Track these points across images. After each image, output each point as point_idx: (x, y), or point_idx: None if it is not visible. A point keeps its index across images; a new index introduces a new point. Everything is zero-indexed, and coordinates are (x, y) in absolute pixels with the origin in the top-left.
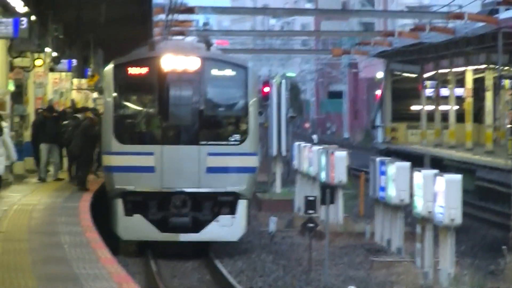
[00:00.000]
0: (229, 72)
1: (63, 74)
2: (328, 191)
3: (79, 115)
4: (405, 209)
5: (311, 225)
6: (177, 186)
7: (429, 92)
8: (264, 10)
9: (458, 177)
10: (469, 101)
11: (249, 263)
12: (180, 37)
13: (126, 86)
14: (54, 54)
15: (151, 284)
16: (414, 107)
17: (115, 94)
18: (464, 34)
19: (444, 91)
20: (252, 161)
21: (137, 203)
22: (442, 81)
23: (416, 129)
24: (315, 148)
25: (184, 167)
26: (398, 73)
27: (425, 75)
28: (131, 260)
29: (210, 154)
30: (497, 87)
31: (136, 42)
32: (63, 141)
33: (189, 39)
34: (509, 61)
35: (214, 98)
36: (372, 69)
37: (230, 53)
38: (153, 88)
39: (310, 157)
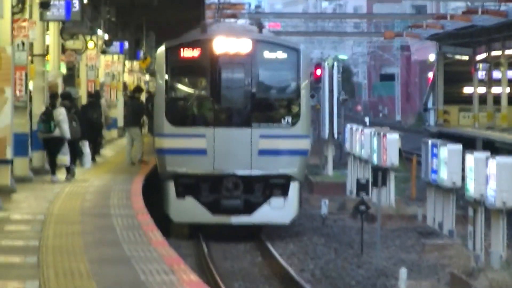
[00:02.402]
0: (281, 54)
1: (115, 56)
2: (380, 173)
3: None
4: (457, 192)
5: (363, 207)
6: (229, 168)
7: (481, 75)
8: None
9: (510, 160)
10: None
11: (300, 246)
12: (232, 20)
13: (178, 69)
14: (106, 36)
15: (202, 266)
16: (466, 90)
17: (167, 77)
18: None
19: (496, 74)
20: (304, 144)
21: (189, 185)
22: (494, 64)
23: (468, 112)
24: (367, 130)
25: (236, 150)
26: (450, 56)
27: (477, 58)
28: (182, 243)
29: (262, 136)
30: None
31: (188, 25)
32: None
33: (241, 21)
34: None
35: (266, 81)
36: (424, 52)
37: (282, 36)
38: (205, 70)
39: (362, 139)
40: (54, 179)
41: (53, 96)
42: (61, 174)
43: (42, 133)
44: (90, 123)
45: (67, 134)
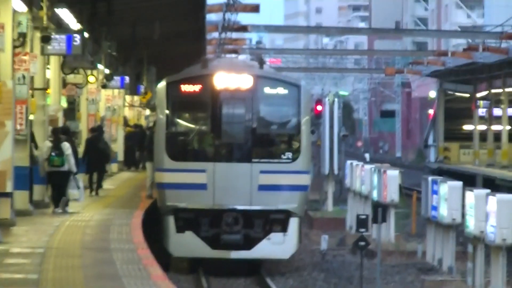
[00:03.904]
0: (282, 90)
1: (116, 90)
2: (380, 209)
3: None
4: (457, 228)
5: (362, 243)
6: (229, 203)
7: (482, 112)
8: (318, 29)
9: (510, 197)
10: None
11: (300, 281)
12: (233, 55)
13: (179, 104)
14: (107, 71)
15: None
16: (466, 127)
17: (167, 111)
18: None
19: (497, 111)
20: (304, 179)
21: (189, 220)
22: (495, 101)
23: (468, 148)
24: (368, 166)
25: (236, 185)
26: (451, 92)
27: (478, 95)
28: (182, 277)
29: (262, 171)
30: None
31: (189, 60)
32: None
33: (242, 57)
34: None
35: (266, 116)
36: (425, 88)
37: (283, 72)
38: (206, 105)
39: (362, 175)
40: (58, 211)
41: (56, 130)
42: (70, 208)
43: (51, 167)
44: (98, 156)
45: (75, 168)
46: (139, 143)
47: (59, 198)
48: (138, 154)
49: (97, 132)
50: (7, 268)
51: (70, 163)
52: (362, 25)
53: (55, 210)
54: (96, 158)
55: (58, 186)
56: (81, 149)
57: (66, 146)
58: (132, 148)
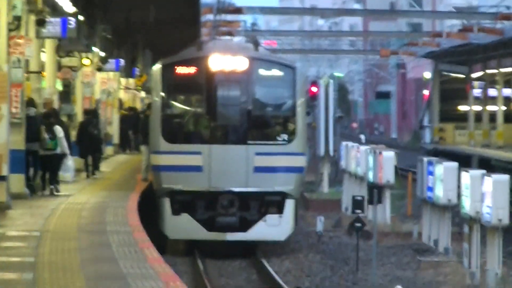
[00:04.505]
0: (277, 72)
1: (111, 74)
2: (375, 191)
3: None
4: (453, 209)
5: (358, 225)
6: (224, 185)
7: (477, 92)
8: (312, 11)
9: (505, 177)
10: None
11: (296, 263)
12: (228, 37)
13: (174, 86)
14: (102, 54)
15: (198, 283)
16: (462, 108)
17: (162, 94)
18: None
19: (492, 92)
20: (300, 161)
21: (185, 202)
22: (490, 81)
23: (464, 129)
24: (363, 148)
25: (231, 167)
26: (446, 73)
27: (473, 76)
28: (178, 260)
29: (258, 153)
30: None
31: (184, 43)
32: None
33: (237, 39)
34: None
35: (262, 98)
36: (420, 69)
37: (278, 54)
38: (201, 88)
39: (357, 157)
40: (46, 193)
41: (48, 114)
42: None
43: (45, 151)
44: (90, 139)
45: (67, 150)
46: (134, 126)
47: (50, 181)
48: (133, 137)
49: (91, 115)
50: (4, 251)
51: (63, 146)
52: (357, 6)
53: (43, 193)
54: (89, 142)
55: (51, 168)
56: (75, 132)
57: (58, 129)
58: (127, 131)
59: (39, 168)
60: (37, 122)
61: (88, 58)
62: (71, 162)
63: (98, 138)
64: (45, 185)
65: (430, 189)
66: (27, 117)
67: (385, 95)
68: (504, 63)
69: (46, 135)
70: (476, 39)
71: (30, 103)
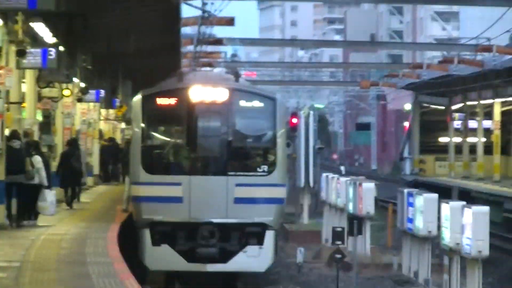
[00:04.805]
0: (257, 103)
1: (91, 104)
2: (355, 222)
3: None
4: (433, 240)
5: (338, 256)
6: (205, 216)
7: (457, 124)
8: (293, 42)
9: (485, 209)
10: (497, 133)
11: None
12: (208, 68)
13: (154, 117)
14: (82, 84)
15: None
16: (442, 139)
17: (143, 125)
18: (493, 66)
19: (472, 123)
20: (280, 192)
21: (165, 233)
22: (470, 113)
23: (444, 161)
24: (343, 179)
25: (212, 198)
26: (426, 105)
27: (454, 107)
28: None
29: (238, 184)
30: None
31: (165, 73)
32: None
33: (218, 70)
34: None
35: (242, 129)
36: (400, 101)
37: (258, 85)
38: (182, 119)
39: (338, 188)
40: (27, 223)
41: (29, 144)
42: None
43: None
44: (71, 171)
45: (45, 182)
46: (113, 156)
47: (26, 211)
48: (112, 167)
49: (72, 145)
50: None
51: (41, 177)
52: (337, 37)
53: (24, 223)
54: (70, 173)
55: (29, 199)
56: (55, 163)
57: (37, 159)
58: (107, 162)
59: (23, 199)
60: (22, 154)
61: (68, 88)
62: (52, 196)
63: (79, 170)
64: (23, 215)
65: (410, 220)
66: (12, 149)
67: (365, 127)
68: (484, 95)
69: (30, 167)
70: (457, 70)
71: (15, 135)
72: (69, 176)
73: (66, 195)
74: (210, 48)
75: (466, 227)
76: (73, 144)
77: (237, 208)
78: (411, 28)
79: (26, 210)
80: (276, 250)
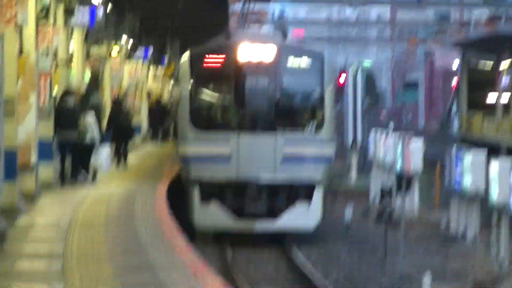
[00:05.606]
0: (305, 60)
1: (140, 63)
2: (403, 180)
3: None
4: (481, 198)
5: (386, 214)
6: (253, 174)
7: (505, 81)
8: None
9: None
10: None
11: (324, 252)
12: (256, 26)
13: (203, 75)
14: (131, 42)
15: (227, 272)
16: (490, 97)
17: (191, 83)
18: None
19: None
20: (328, 150)
21: (213, 192)
22: None
23: (492, 118)
24: (391, 137)
25: (260, 155)
26: (474, 62)
27: (501, 65)
28: (207, 248)
29: (287, 142)
30: None
31: (213, 31)
32: None
33: (265, 28)
34: None
35: (290, 86)
36: (447, 58)
37: (306, 42)
38: (230, 76)
39: (385, 146)
40: (87, 178)
41: (83, 102)
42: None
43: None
44: (120, 129)
45: (97, 141)
46: (160, 118)
47: (80, 170)
48: (160, 128)
49: (120, 103)
50: (33, 241)
51: (93, 135)
52: None
53: (79, 178)
54: (120, 131)
55: (82, 158)
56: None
57: (89, 118)
58: (155, 122)
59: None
60: (75, 113)
61: (117, 45)
62: (105, 153)
63: (128, 128)
64: (77, 174)
65: (458, 178)
66: (65, 108)
67: (413, 84)
68: None
69: (83, 125)
70: (504, 28)
71: (68, 93)
72: (119, 134)
73: (117, 153)
74: (258, 6)
75: None
76: (121, 102)
77: (286, 165)
78: None
79: (79, 169)
80: (324, 208)
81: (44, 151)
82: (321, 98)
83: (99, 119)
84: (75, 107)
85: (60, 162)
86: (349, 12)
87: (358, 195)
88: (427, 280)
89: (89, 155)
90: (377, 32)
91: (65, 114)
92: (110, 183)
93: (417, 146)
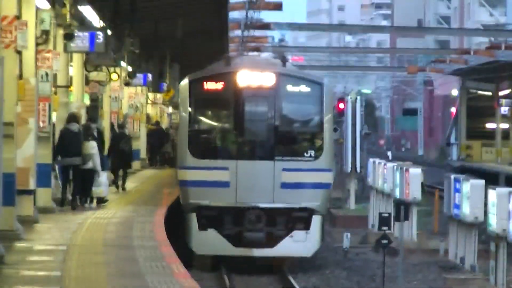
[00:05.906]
0: (304, 88)
1: (139, 88)
2: (402, 207)
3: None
4: (479, 226)
5: (385, 241)
6: (251, 201)
7: (504, 110)
8: (340, 27)
9: None
10: None
11: (322, 279)
12: (255, 53)
13: (202, 101)
14: (130, 68)
15: None
16: (489, 125)
17: (190, 109)
18: None
19: None
20: (327, 177)
21: (211, 217)
22: None
23: (491, 147)
24: (390, 164)
25: (258, 182)
26: (473, 90)
27: (501, 93)
28: (205, 275)
29: (285, 169)
30: None
31: (212, 57)
32: None
33: (265, 55)
34: None
35: (289, 114)
36: (447, 86)
37: (306, 70)
38: (229, 103)
39: (384, 173)
40: (92, 207)
41: (86, 128)
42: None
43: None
44: (121, 154)
45: (99, 167)
46: (159, 140)
47: (82, 194)
48: (159, 151)
49: (122, 129)
50: (30, 265)
51: (95, 162)
52: (384, 23)
53: (85, 206)
54: (120, 157)
55: (84, 182)
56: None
57: (92, 145)
58: (154, 146)
59: (79, 183)
60: (79, 138)
61: (116, 72)
62: (105, 178)
63: (129, 153)
64: (80, 198)
65: (457, 206)
66: (69, 132)
67: (412, 112)
68: None
69: (86, 152)
70: (503, 56)
71: (73, 118)
72: (119, 160)
73: (116, 178)
74: (257, 33)
75: None
76: (122, 127)
77: (284, 192)
78: (458, 14)
79: (81, 193)
80: (322, 235)
81: (43, 176)
82: (321, 126)
83: (100, 143)
84: (79, 132)
85: (61, 185)
86: (349, 40)
87: (357, 221)
88: None
89: (91, 180)
90: (376, 60)
91: (69, 138)
92: (109, 208)
93: (416, 174)
